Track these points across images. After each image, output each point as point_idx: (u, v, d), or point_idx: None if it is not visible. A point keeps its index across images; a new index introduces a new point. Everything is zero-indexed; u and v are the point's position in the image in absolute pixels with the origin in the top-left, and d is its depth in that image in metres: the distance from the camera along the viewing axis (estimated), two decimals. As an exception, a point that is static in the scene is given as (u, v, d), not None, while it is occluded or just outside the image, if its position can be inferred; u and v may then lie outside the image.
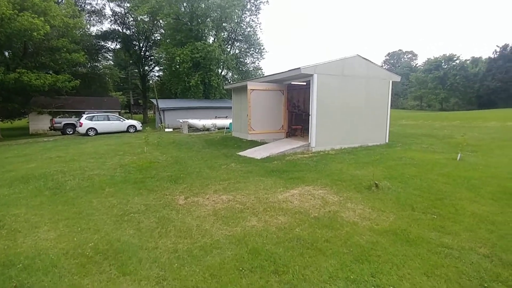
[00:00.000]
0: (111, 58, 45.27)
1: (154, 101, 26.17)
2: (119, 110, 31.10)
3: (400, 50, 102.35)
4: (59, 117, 25.90)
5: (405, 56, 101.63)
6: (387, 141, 12.77)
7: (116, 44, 39.41)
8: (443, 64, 77.27)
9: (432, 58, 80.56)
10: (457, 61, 76.50)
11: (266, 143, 12.68)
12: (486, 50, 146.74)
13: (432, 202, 5.23)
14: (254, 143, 12.62)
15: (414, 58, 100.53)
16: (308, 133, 14.06)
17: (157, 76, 45.39)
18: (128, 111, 49.60)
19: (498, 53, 64.97)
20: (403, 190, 5.92)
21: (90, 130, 20.97)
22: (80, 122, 21.10)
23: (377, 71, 12.12)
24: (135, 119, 29.48)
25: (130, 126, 22.84)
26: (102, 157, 10.78)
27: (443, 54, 78.19)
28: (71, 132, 23.50)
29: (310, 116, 10.76)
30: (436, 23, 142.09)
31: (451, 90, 72.89)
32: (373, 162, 8.67)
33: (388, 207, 5.00)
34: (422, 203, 5.17)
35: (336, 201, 5.32)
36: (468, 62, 75.88)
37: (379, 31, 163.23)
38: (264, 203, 5.29)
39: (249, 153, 10.71)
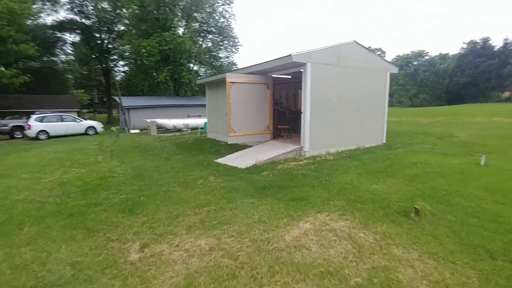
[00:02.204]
0: (72, 52, 41.22)
1: (117, 98, 23.32)
2: (78, 110, 27.86)
3: (369, 47, 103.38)
4: (7, 119, 22.46)
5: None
6: (384, 141, 11.32)
7: (75, 36, 35.56)
8: (413, 60, 78.94)
9: (402, 54, 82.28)
10: (427, 57, 78.48)
11: (249, 146, 10.79)
12: (453, 47, 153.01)
13: (504, 236, 3.61)
14: (234, 147, 10.69)
15: (383, 55, 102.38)
16: (296, 134, 12.36)
17: (122, 71, 41.90)
18: (91, 110, 45.65)
19: (466, 49, 66.86)
20: (453, 217, 4.27)
21: (40, 133, 17.99)
22: (28, 124, 18.06)
23: (375, 61, 10.58)
24: (99, 119, 26.49)
25: (89, 127, 19.98)
26: (42, 170, 8.40)
27: (413, 51, 79.96)
28: (20, 136, 20.28)
29: (302, 115, 9.00)
30: (402, 20, 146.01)
31: (421, 86, 74.57)
32: (386, 170, 7.04)
33: (452, 251, 3.30)
34: (493, 240, 3.53)
35: (373, 244, 3.54)
36: (436, 58, 78.01)
37: (347, 29, 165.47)
38: (266, 252, 3.41)
39: (231, 160, 8.77)
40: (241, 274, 2.99)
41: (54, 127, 18.31)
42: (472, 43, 65.91)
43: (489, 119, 19.17)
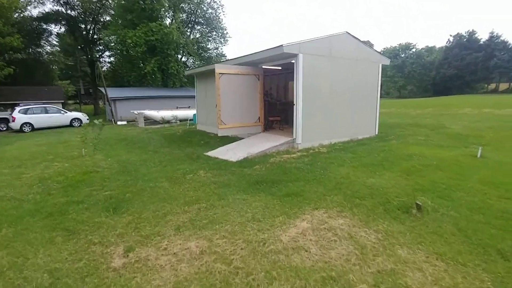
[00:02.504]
0: (57, 43, 39.72)
1: (103, 89, 22.52)
2: (62, 101, 26.86)
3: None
4: (-8, 111, 21.46)
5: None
6: (376, 133, 11.19)
7: (60, 27, 34.14)
8: (400, 52, 79.37)
9: (390, 47, 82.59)
10: (414, 50, 79.08)
11: (240, 138, 10.49)
12: (439, 40, 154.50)
13: None
14: (225, 139, 10.37)
15: (370, 47, 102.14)
16: (287, 125, 12.10)
17: (108, 62, 40.62)
18: (77, 102, 44.22)
19: (452, 42, 67.59)
20: (456, 213, 4.09)
21: (24, 125, 17.21)
22: (12, 117, 17.24)
23: (367, 52, 10.34)
24: (84, 111, 25.61)
25: (74, 119, 19.25)
26: (23, 164, 7.93)
27: (400, 43, 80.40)
28: (4, 129, 19.40)
29: (294, 106, 8.72)
30: (390, 13, 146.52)
31: (409, 78, 75.22)
32: (382, 163, 6.85)
33: (461, 252, 3.11)
34: (502, 239, 3.35)
35: (376, 245, 3.32)
36: (423, 50, 78.68)
37: (336, 22, 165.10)
38: (262, 255, 3.14)
39: (221, 153, 8.46)
40: (236, 281, 2.72)
41: (38, 119, 17.53)
42: (458, 36, 66.71)
43: (479, 111, 19.31)
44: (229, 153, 8.36)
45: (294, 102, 8.70)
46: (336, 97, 9.48)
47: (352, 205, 4.47)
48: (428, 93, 70.30)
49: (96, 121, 9.00)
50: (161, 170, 6.82)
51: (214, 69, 9.29)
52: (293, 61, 9.42)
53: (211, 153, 8.56)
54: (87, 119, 19.43)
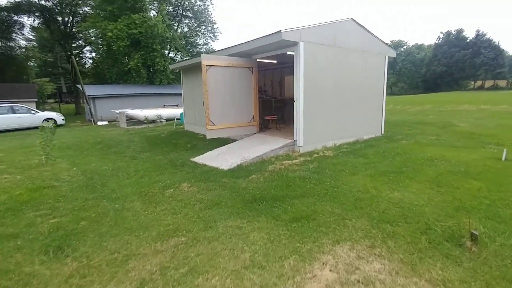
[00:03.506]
0: (33, 38, 37.40)
1: (80, 87, 20.83)
2: (36, 100, 24.95)
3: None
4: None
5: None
6: (382, 132, 10.12)
7: (34, 19, 31.88)
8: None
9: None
10: (405, 47, 79.00)
11: (232, 140, 9.26)
12: (428, 37, 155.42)
13: None
14: (215, 142, 9.13)
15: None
16: (285, 124, 10.93)
17: (89, 58, 38.65)
18: (58, 100, 42.03)
19: (441, 39, 67.79)
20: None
21: (-13, 127, 15.53)
22: (-27, 118, 15.56)
23: (374, 42, 9.22)
24: (66, 110, 23.86)
25: (46, 119, 17.57)
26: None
27: (392, 40, 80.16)
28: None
29: (294, 103, 7.54)
30: (381, 11, 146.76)
31: (400, 75, 75.09)
32: (402, 170, 5.74)
33: None
34: None
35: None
36: (414, 48, 78.68)
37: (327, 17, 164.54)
38: None
39: (210, 158, 7.23)
40: None
41: (3, 120, 15.77)
42: (447, 34, 67.05)
43: (477, 107, 18.55)
44: (220, 158, 7.14)
45: (295, 99, 7.51)
46: (340, 93, 8.35)
47: (384, 235, 3.32)
48: (418, 90, 70.32)
49: (45, 124, 7.66)
50: (136, 183, 5.55)
51: (201, 62, 8.02)
52: (290, 53, 8.27)
53: (199, 159, 7.32)
54: (63, 119, 17.86)
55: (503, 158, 6.31)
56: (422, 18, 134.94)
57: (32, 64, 36.93)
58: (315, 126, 7.79)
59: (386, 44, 9.72)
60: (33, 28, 33.36)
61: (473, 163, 6.08)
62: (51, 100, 45.73)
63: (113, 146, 9.69)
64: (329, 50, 7.85)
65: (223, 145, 8.34)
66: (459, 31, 65.12)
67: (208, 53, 10.73)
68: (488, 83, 64.83)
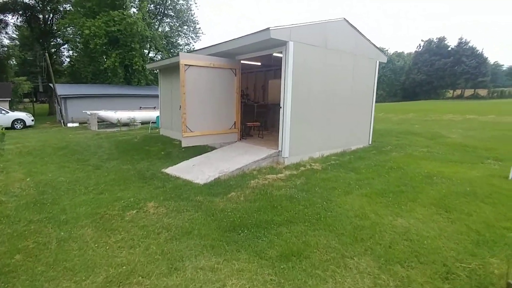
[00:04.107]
0: (16, 36, 35.36)
1: (52, 86, 19.34)
2: (10, 99, 23.10)
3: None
4: None
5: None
6: (370, 142, 9.59)
7: (17, 17, 30.02)
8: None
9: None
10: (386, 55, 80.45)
11: (211, 148, 8.44)
12: (409, 45, 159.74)
13: None
14: (191, 149, 8.26)
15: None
16: (267, 131, 10.23)
17: (67, 57, 36.68)
18: (32, 100, 39.59)
19: (422, 47, 69.14)
20: None
21: None
22: None
23: (366, 46, 8.69)
24: (40, 110, 22.10)
25: (15, 120, 16.12)
26: None
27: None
28: None
29: (281, 110, 6.83)
30: (360, 18, 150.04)
31: (379, 82, 75.81)
32: (400, 188, 5.11)
33: None
34: None
35: None
36: (394, 55, 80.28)
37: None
38: None
39: (185, 170, 6.39)
40: None
41: (-31, 120, 14.29)
42: (429, 42, 68.41)
43: (463, 117, 18.51)
44: (195, 170, 6.31)
45: (281, 105, 6.80)
46: (329, 99, 7.72)
47: (397, 282, 2.63)
48: (396, 97, 71.42)
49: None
50: (92, 201, 4.64)
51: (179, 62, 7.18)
52: (277, 54, 7.63)
53: (172, 170, 6.46)
54: (32, 120, 16.43)
55: (510, 177, 5.81)
56: (404, 26, 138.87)
57: (12, 62, 34.65)
58: (301, 136, 7.11)
59: (378, 48, 9.22)
60: (16, 26, 31.56)
61: (477, 182, 5.54)
62: (27, 100, 43.24)
63: (78, 152, 8.64)
64: (319, 51, 7.21)
65: (201, 154, 7.51)
66: (441, 39, 66.03)
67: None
68: (468, 92, 66.07)
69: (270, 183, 5.44)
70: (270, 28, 6.00)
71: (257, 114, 10.73)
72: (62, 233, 3.55)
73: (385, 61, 9.89)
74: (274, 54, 8.09)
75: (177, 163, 6.91)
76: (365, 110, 9.21)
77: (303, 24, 6.76)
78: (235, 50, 7.51)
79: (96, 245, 3.27)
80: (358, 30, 8.20)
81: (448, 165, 6.91)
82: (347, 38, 7.92)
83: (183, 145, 7.32)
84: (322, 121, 7.63)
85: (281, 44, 6.58)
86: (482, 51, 61.68)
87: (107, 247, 3.22)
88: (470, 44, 62.48)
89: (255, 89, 13.67)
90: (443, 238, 3.45)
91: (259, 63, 11.49)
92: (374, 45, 8.98)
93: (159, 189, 5.23)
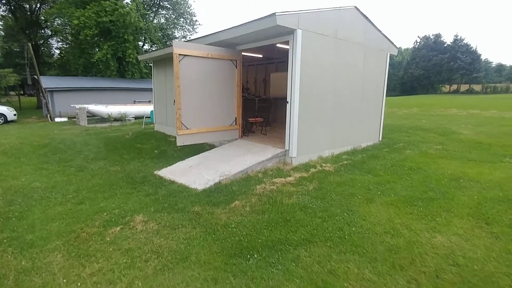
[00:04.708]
0: (2, 28, 33.97)
1: (38, 78, 18.38)
2: (-6, 92, 22.13)
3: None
4: None
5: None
6: (380, 138, 8.94)
7: (0, 7, 28.73)
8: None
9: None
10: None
11: (210, 146, 7.72)
12: (407, 41, 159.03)
13: None
14: (188, 147, 7.54)
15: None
16: (269, 127, 9.53)
17: (56, 48, 35.43)
18: (19, 93, 38.33)
19: (419, 43, 69.08)
20: None
21: None
22: None
23: (377, 36, 7.98)
24: (27, 104, 21.16)
25: (-5, 115, 15.22)
26: None
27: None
28: None
29: (288, 105, 6.11)
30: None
31: (379, 77, 75.85)
32: (428, 194, 4.45)
33: None
34: None
35: None
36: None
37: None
38: None
39: (180, 172, 5.67)
40: None
41: None
42: (426, 38, 68.37)
43: (467, 112, 17.97)
44: (193, 172, 5.59)
45: (288, 100, 6.08)
46: (339, 92, 7.02)
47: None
48: (395, 92, 71.19)
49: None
50: (69, 213, 3.91)
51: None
52: (280, 45, 6.93)
53: (166, 172, 5.73)
54: (14, 115, 15.50)
55: (536, 178, 5.21)
56: (402, 23, 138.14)
57: (-5, 54, 33.37)
58: (310, 133, 6.41)
59: (389, 39, 8.51)
60: (2, 17, 30.18)
61: (506, 185, 4.90)
62: (13, 93, 41.91)
63: (61, 151, 7.86)
64: (329, 42, 6.48)
65: (199, 153, 6.78)
66: (437, 36, 66.48)
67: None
68: (464, 87, 66.52)
69: (279, 189, 4.75)
70: (276, 14, 5.24)
71: (258, 109, 10.00)
72: (24, 262, 2.82)
73: (396, 54, 9.19)
74: (278, 45, 7.38)
75: (172, 164, 6.18)
76: (375, 104, 8.53)
77: (312, 11, 6.01)
78: (236, 39, 6.73)
79: (65, 280, 2.55)
80: (369, 20, 7.48)
81: (469, 165, 6.27)
82: (357, 27, 7.19)
83: (178, 144, 6.57)
84: (332, 117, 6.93)
85: (288, 33, 5.83)
86: (476, 48, 62.60)
87: (79, 283, 2.51)
88: (465, 41, 62.98)
89: (256, 82, 12.92)
90: (493, 261, 2.80)
91: (261, 55, 10.73)
92: (385, 36, 8.27)
93: (150, 196, 4.51)
